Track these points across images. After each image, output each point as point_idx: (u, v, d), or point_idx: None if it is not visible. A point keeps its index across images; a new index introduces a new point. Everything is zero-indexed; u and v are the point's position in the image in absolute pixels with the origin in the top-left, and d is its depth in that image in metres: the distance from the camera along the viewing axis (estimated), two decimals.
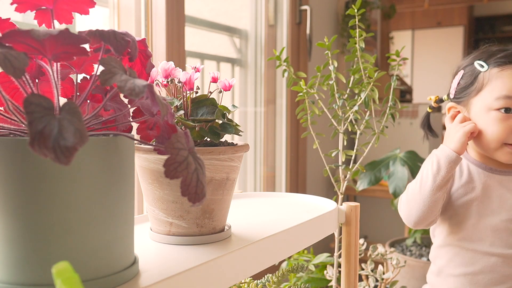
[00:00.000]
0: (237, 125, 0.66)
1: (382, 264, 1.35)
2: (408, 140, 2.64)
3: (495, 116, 1.00)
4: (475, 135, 1.04)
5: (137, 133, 0.55)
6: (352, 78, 1.10)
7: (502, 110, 1.00)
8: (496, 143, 1.01)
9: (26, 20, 1.18)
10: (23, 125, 0.45)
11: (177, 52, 1.47)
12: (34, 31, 0.40)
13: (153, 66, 0.59)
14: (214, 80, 0.69)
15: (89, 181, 0.43)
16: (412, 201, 1.05)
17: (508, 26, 6.10)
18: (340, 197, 1.14)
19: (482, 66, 1.04)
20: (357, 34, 1.08)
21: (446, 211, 1.09)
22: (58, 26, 0.52)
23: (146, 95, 0.43)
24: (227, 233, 0.65)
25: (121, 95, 0.52)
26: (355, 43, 1.08)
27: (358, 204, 0.85)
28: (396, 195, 1.66)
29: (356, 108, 1.09)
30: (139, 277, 0.49)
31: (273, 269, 1.44)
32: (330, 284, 1.36)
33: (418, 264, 1.91)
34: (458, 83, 1.09)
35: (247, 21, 2.12)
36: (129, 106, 0.52)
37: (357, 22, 1.07)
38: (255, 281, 1.01)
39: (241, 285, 1.00)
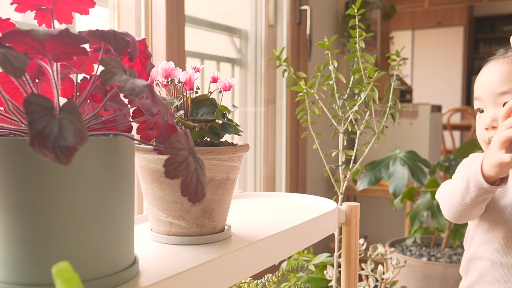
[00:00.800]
0: (237, 125, 0.66)
1: (382, 264, 1.35)
2: (408, 140, 2.64)
3: (476, 117, 1.01)
4: None
5: (137, 133, 0.55)
6: (352, 78, 1.10)
7: (479, 111, 0.99)
8: (480, 143, 1.00)
9: (26, 20, 1.18)
10: (23, 125, 0.45)
11: (177, 52, 1.47)
12: (34, 31, 0.40)
13: (153, 66, 0.59)
14: (214, 80, 0.69)
15: (89, 181, 0.43)
16: (445, 204, 0.96)
17: (508, 26, 6.10)
18: (340, 197, 1.14)
19: None
20: (357, 34, 1.08)
21: (481, 217, 0.99)
22: (58, 26, 0.52)
23: (146, 95, 0.43)
24: (227, 233, 0.65)
25: (121, 95, 0.52)
26: (355, 43, 1.08)
27: (358, 204, 0.85)
28: (396, 195, 1.66)
29: (356, 108, 1.09)
30: (139, 277, 0.49)
31: (273, 269, 1.44)
32: (330, 284, 1.36)
33: (418, 264, 1.91)
34: None
35: (247, 21, 2.12)
36: (129, 106, 0.52)
37: (357, 22, 1.07)
38: (255, 281, 1.01)
39: (241, 285, 1.00)
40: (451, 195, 0.94)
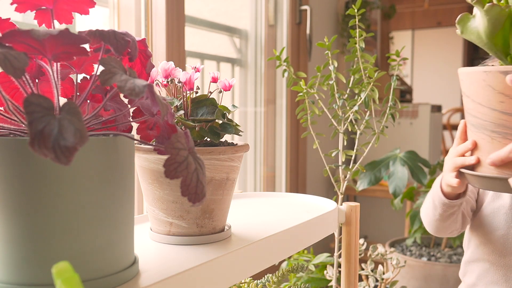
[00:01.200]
0: (237, 125, 0.66)
1: (382, 264, 1.35)
2: (408, 140, 2.64)
3: None
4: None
5: (137, 133, 0.55)
6: (352, 78, 1.10)
7: None
8: None
9: (26, 20, 1.18)
10: (23, 125, 0.45)
11: (177, 52, 1.47)
12: (34, 31, 0.40)
13: (153, 66, 0.59)
14: (214, 80, 0.69)
15: (89, 181, 0.43)
16: (424, 220, 1.05)
17: None
18: (340, 197, 1.14)
19: None
20: (357, 34, 1.07)
21: (476, 219, 1.01)
22: (58, 26, 0.52)
23: (146, 95, 0.43)
24: (227, 233, 0.65)
25: (121, 95, 0.52)
26: (355, 43, 1.08)
27: (358, 204, 0.85)
28: (396, 195, 1.66)
29: (356, 108, 1.09)
30: (139, 277, 0.49)
31: (273, 269, 1.44)
32: (330, 284, 1.36)
33: (418, 264, 1.91)
34: None
35: (247, 21, 2.12)
36: (129, 106, 0.52)
37: (357, 22, 1.07)
38: (255, 281, 1.01)
39: (241, 285, 1.00)
40: (426, 211, 1.03)
